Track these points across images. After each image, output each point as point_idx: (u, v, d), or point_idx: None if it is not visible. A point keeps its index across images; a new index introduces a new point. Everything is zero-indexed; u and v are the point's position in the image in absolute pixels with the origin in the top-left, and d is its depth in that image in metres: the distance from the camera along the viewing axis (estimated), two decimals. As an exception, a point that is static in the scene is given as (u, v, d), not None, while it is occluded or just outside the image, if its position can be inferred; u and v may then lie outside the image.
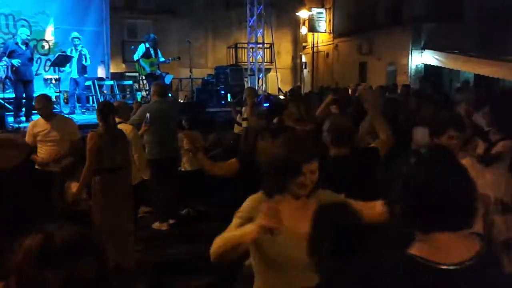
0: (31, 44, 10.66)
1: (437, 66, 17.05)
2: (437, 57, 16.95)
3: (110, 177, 4.86)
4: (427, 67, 17.66)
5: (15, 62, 9.10)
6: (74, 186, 4.76)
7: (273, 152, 2.18)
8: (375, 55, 19.69)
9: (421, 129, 4.34)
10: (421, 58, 17.74)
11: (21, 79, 9.44)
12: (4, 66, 9.24)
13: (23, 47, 9.50)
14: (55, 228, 1.28)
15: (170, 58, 11.66)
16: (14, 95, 9.90)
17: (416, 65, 17.87)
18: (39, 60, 12.56)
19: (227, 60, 22.60)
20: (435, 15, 16.83)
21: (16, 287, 1.22)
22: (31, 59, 9.73)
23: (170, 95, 11.72)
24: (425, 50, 17.50)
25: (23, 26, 12.24)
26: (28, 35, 9.78)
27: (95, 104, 12.01)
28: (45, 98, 5.84)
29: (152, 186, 6.53)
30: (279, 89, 17.13)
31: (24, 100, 9.63)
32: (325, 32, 23.72)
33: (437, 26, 17.06)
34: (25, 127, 6.11)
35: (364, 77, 20.23)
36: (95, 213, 4.85)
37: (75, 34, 10.96)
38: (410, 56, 17.86)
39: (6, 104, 10.29)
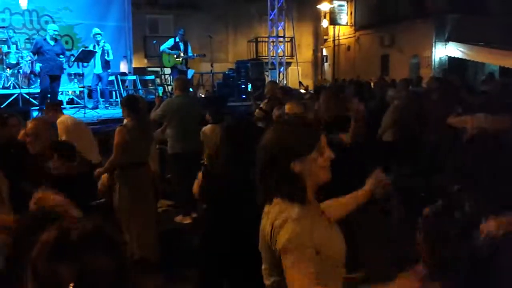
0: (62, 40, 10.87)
1: (461, 59, 16.76)
2: (461, 49, 16.67)
3: (134, 171, 4.90)
4: (451, 60, 17.38)
5: (38, 63, 9.33)
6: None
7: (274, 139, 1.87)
8: (397, 47, 19.44)
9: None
10: (445, 50, 17.47)
11: (48, 74, 9.63)
12: (29, 61, 9.40)
13: (52, 43, 9.72)
14: (72, 222, 1.29)
15: (195, 54, 11.75)
16: (39, 90, 10.08)
17: (440, 58, 17.61)
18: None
19: (247, 54, 22.59)
20: (459, 6, 16.52)
21: (31, 280, 1.22)
22: (60, 54, 9.86)
23: (191, 89, 11.79)
24: (449, 42, 17.23)
25: (47, 22, 12.45)
26: (55, 31, 9.95)
27: (118, 99, 12.16)
28: None
29: (174, 180, 6.60)
30: (300, 83, 17.07)
31: (49, 95, 9.79)
32: (347, 25, 23.51)
33: (461, 17, 16.76)
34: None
35: (386, 70, 20.01)
36: (118, 206, 4.92)
37: (96, 30, 11.09)
38: (433, 48, 17.60)
39: (31, 99, 10.48)
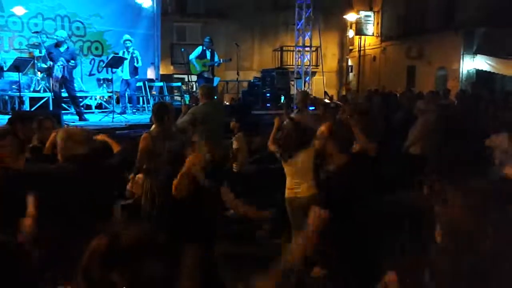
0: (76, 45, 11.05)
1: (489, 72, 16.51)
2: (489, 62, 16.43)
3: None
4: (479, 73, 17.13)
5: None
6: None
7: None
8: (424, 59, 19.26)
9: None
10: (473, 63, 17.23)
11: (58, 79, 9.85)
12: (60, 66, 9.61)
13: (62, 49, 9.84)
14: (121, 229, 1.32)
15: (221, 59, 11.81)
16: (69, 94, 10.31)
17: (468, 70, 17.37)
18: (92, 61, 13.03)
19: (272, 63, 22.67)
20: (488, 19, 16.29)
21: (83, 287, 1.25)
22: (70, 60, 9.90)
23: (215, 97, 11.89)
24: (478, 55, 16.98)
25: (78, 28, 12.74)
26: (63, 37, 10.09)
27: (145, 105, 12.34)
28: None
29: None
30: (325, 93, 17.03)
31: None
32: (373, 35, 23.41)
33: (490, 30, 16.52)
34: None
35: (412, 81, 19.82)
36: (142, 209, 4.99)
37: (126, 36, 11.29)
38: (461, 61, 17.38)
39: (61, 103, 10.71)
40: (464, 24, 16.89)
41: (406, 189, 3.82)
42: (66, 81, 9.81)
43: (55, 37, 10.10)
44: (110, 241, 1.27)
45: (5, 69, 10.68)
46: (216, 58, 11.47)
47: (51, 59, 9.69)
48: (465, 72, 17.42)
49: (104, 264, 1.23)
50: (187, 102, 8.47)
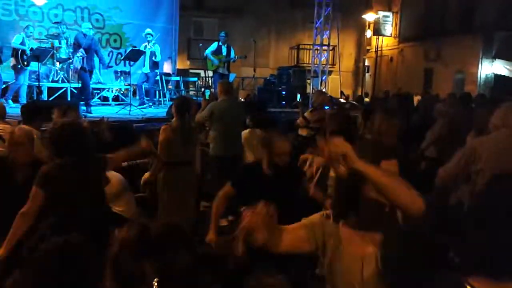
0: (96, 36, 11.15)
1: (507, 77, 16.31)
2: (508, 67, 16.25)
3: (177, 171, 5.00)
4: (497, 77, 16.93)
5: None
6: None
7: None
8: (442, 61, 19.07)
9: None
10: (491, 68, 17.04)
11: (89, 70, 10.00)
12: (80, 57, 9.68)
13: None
14: (148, 221, 1.33)
15: (236, 56, 11.80)
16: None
17: (486, 75, 17.18)
18: (111, 54, 13.13)
19: (288, 61, 22.64)
20: (508, 23, 16.10)
21: (112, 278, 1.26)
22: (90, 50, 9.96)
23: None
24: (496, 59, 16.79)
25: (97, 20, 12.83)
26: (90, 28, 10.23)
27: (162, 99, 12.39)
28: None
29: (214, 181, 6.67)
30: (341, 92, 16.98)
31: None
32: (391, 36, 23.24)
33: (509, 35, 16.32)
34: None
35: (430, 84, 19.66)
36: (160, 204, 5.03)
37: (148, 30, 11.36)
38: (480, 65, 17.19)
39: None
40: (483, 28, 16.71)
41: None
42: (85, 72, 9.88)
43: (82, 29, 10.15)
44: (141, 231, 1.27)
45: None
46: (232, 54, 11.43)
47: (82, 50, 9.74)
48: (483, 76, 17.23)
49: (136, 255, 1.24)
50: (207, 98, 8.50)
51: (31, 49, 10.10)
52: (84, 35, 9.89)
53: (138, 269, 1.22)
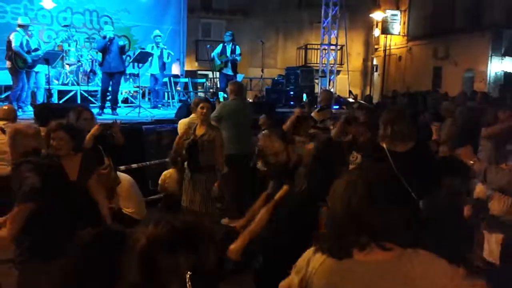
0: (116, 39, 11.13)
1: (518, 75, 16.22)
2: (518, 65, 16.14)
3: (197, 175, 5.15)
4: (507, 75, 16.81)
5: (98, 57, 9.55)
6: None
7: None
8: (451, 60, 18.97)
9: None
10: (501, 66, 16.93)
11: (106, 72, 9.71)
12: (89, 60, 9.71)
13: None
14: (173, 218, 1.35)
15: (232, 55, 11.71)
16: (98, 88, 10.42)
17: (496, 73, 17.07)
18: (119, 56, 13.18)
19: (296, 61, 22.63)
20: (517, 21, 16.01)
21: (139, 272, 1.26)
22: (117, 53, 9.73)
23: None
24: (506, 57, 16.68)
25: (106, 22, 12.90)
26: (112, 30, 10.22)
27: (170, 100, 12.44)
28: None
29: (223, 181, 6.69)
30: (350, 92, 16.93)
31: (108, 93, 10.00)
32: (399, 34, 23.17)
33: (519, 32, 16.23)
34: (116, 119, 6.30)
35: (439, 82, 19.56)
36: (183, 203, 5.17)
37: (157, 32, 11.41)
38: (489, 62, 17.08)
39: (89, 96, 10.88)
40: (492, 25, 16.60)
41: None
42: (96, 75, 9.89)
43: (111, 33, 9.93)
44: (172, 227, 1.30)
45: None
46: (238, 51, 11.26)
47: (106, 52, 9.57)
48: (492, 74, 17.12)
49: (170, 249, 1.26)
50: (221, 100, 8.57)
51: (34, 50, 9.73)
52: (104, 37, 9.73)
53: (171, 263, 1.24)
